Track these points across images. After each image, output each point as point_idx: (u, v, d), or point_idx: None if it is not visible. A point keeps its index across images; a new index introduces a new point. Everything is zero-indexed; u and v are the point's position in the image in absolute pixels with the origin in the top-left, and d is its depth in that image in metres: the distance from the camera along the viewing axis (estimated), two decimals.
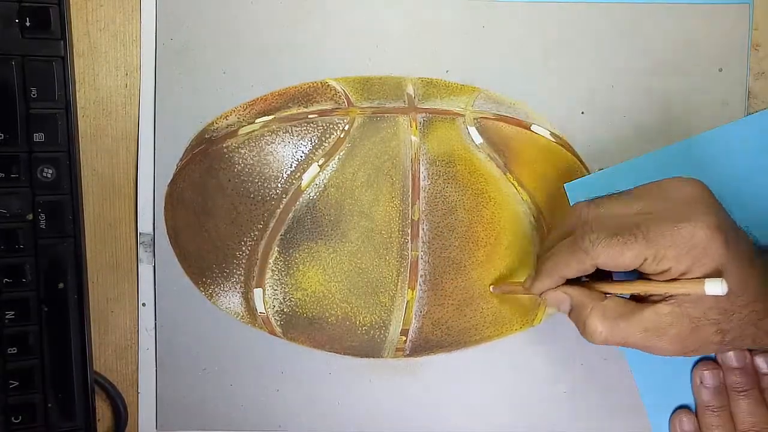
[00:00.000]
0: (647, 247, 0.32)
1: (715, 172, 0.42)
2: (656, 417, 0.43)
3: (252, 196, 0.42)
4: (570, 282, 0.37)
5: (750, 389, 0.41)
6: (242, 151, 0.42)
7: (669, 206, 0.33)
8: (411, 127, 0.43)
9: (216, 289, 0.43)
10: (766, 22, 0.44)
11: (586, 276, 0.36)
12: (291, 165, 0.42)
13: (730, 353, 0.42)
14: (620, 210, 0.35)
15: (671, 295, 0.33)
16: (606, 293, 0.36)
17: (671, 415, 0.43)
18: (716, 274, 0.32)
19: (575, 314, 0.36)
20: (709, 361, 0.43)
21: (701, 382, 0.42)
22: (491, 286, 0.43)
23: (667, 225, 0.32)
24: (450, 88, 0.44)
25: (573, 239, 0.35)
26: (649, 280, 0.34)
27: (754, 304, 0.34)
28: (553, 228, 0.40)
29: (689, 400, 0.43)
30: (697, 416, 0.43)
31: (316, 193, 0.43)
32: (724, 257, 0.32)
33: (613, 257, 0.33)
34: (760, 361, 0.42)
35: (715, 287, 0.31)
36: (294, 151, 0.42)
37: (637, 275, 0.35)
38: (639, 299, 0.35)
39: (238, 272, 0.43)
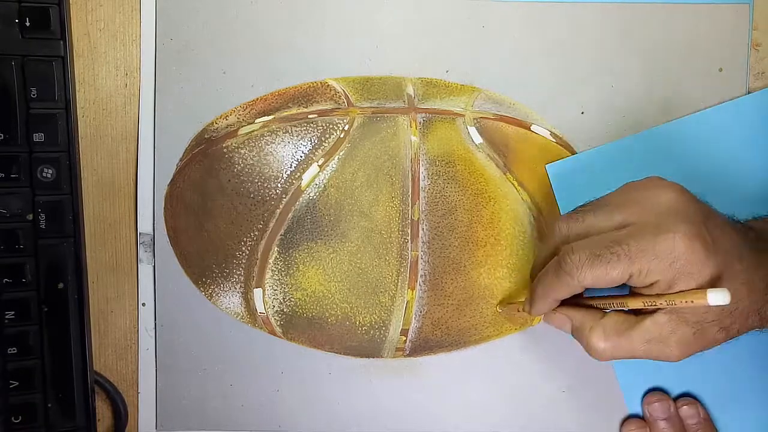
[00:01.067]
0: (630, 263, 0.32)
1: (700, 153, 0.43)
2: (629, 393, 0.44)
3: (252, 196, 0.42)
4: (568, 301, 0.37)
5: None
6: (242, 151, 0.42)
7: (648, 216, 0.33)
8: (411, 127, 0.43)
9: (216, 289, 0.43)
10: (766, 22, 0.44)
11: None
12: (291, 165, 0.42)
13: (656, 404, 0.43)
14: (600, 224, 0.34)
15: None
16: (605, 309, 0.36)
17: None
18: (709, 283, 0.32)
19: (577, 334, 0.37)
20: (634, 419, 0.44)
21: None
22: (498, 307, 0.44)
23: (647, 239, 0.32)
24: (450, 88, 0.44)
25: (557, 261, 0.35)
26: (643, 295, 0.34)
27: (750, 296, 0.34)
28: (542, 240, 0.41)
29: (662, 381, 0.44)
30: None
31: (316, 193, 0.43)
32: (708, 266, 0.32)
33: (598, 278, 0.33)
34: (684, 411, 0.43)
35: (719, 297, 0.30)
36: (294, 151, 0.42)
37: (629, 288, 0.35)
38: (637, 311, 0.35)
39: (238, 272, 0.43)
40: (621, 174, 0.43)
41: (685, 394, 0.44)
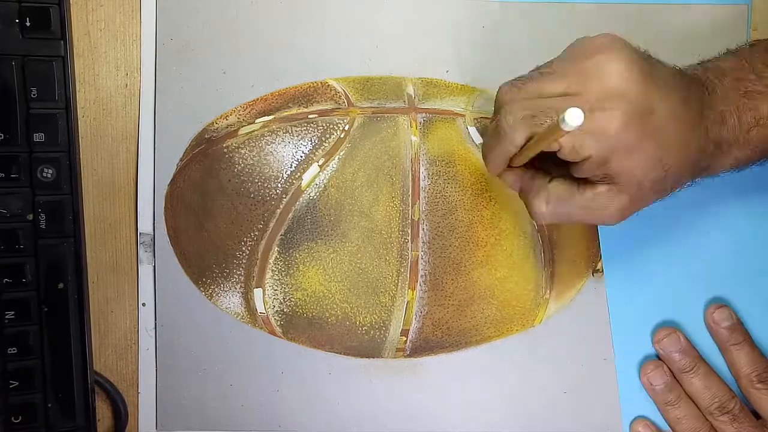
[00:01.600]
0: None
1: None
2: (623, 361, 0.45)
3: (252, 196, 0.42)
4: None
5: (695, 366, 0.43)
6: (242, 151, 0.42)
7: (591, 90, 0.32)
8: (411, 127, 0.43)
9: (216, 289, 0.43)
10: (765, 23, 0.44)
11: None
12: (291, 165, 0.42)
13: (665, 340, 0.43)
14: (542, 91, 0.34)
15: (609, 176, 0.33)
16: (552, 176, 0.36)
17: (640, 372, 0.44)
18: (645, 166, 0.33)
19: (523, 195, 0.37)
20: (651, 361, 0.44)
21: (651, 384, 0.43)
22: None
23: (587, 113, 0.31)
24: (450, 88, 0.44)
25: (496, 121, 0.35)
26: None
27: (682, 162, 0.34)
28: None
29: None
30: (662, 413, 0.44)
31: (316, 193, 0.43)
32: (643, 149, 0.32)
33: (528, 137, 0.33)
34: (717, 314, 0.43)
35: (571, 120, 0.28)
36: (294, 151, 0.42)
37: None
38: (580, 180, 0.35)
39: (238, 272, 0.43)
40: None
41: (716, 300, 0.44)
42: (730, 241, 0.44)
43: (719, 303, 0.44)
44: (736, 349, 0.42)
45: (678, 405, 0.43)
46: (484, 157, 0.38)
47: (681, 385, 0.43)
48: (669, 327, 0.44)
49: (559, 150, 0.33)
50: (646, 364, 0.44)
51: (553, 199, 0.35)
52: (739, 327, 0.43)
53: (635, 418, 0.44)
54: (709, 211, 0.44)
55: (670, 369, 0.43)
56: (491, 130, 0.37)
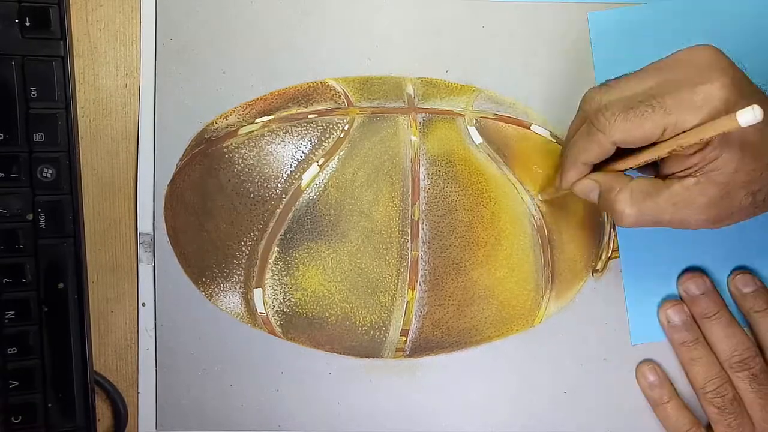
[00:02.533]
0: (665, 115, 0.31)
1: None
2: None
3: (252, 196, 0.42)
4: (596, 169, 0.37)
5: (717, 312, 0.42)
6: (242, 151, 0.42)
7: (683, 74, 0.32)
8: (411, 127, 0.43)
9: (216, 289, 0.43)
10: None
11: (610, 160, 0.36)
12: (291, 165, 0.42)
13: (689, 282, 0.42)
14: (634, 88, 0.33)
15: (702, 166, 0.32)
16: (632, 171, 0.35)
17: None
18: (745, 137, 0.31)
19: (604, 200, 0.36)
20: (671, 300, 0.43)
21: (668, 322, 0.42)
22: (539, 195, 0.43)
23: (684, 90, 0.31)
24: (450, 88, 0.44)
25: (588, 123, 0.34)
26: (667, 141, 0.32)
27: None
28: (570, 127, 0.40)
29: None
30: (678, 355, 0.43)
31: (316, 193, 0.43)
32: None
33: (630, 131, 0.32)
34: (738, 279, 0.42)
35: (749, 116, 0.28)
36: (294, 151, 0.42)
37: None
38: (664, 177, 0.34)
39: (238, 272, 0.43)
40: (665, 34, 0.41)
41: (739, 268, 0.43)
42: None
43: (740, 270, 0.42)
44: (760, 315, 0.41)
45: (695, 347, 0.42)
46: (565, 165, 0.37)
47: (701, 332, 0.42)
48: (694, 271, 0.43)
49: (662, 134, 0.32)
50: (665, 303, 0.43)
51: (639, 197, 0.34)
52: (765, 292, 0.42)
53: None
54: None
55: (691, 313, 0.42)
56: (576, 133, 0.36)
